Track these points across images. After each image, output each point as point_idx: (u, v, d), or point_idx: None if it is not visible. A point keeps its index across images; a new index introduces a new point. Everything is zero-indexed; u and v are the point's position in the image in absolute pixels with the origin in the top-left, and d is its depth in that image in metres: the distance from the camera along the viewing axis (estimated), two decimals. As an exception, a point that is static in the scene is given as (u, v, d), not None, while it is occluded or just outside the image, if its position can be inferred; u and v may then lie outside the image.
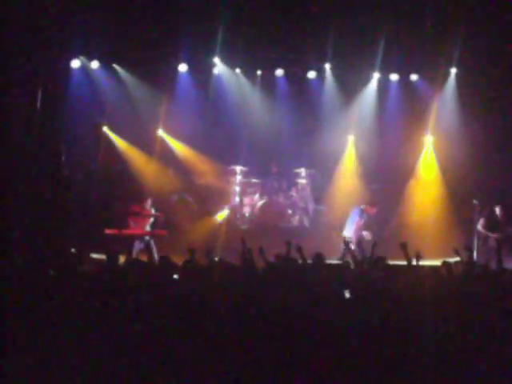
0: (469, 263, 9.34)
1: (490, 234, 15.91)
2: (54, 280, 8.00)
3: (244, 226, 17.28)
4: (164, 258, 8.95)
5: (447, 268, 9.29)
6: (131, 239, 15.36)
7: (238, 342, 6.78)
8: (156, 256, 14.47)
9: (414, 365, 6.78)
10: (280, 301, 7.23)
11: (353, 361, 6.75)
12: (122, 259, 9.47)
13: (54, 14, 15.11)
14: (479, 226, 16.10)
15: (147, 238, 15.41)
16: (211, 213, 17.58)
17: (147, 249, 14.75)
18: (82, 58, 17.15)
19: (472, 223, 16.21)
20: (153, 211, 15.88)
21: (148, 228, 15.68)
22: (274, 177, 17.78)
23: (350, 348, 6.81)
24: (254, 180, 17.77)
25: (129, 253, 14.88)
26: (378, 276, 8.53)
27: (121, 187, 16.78)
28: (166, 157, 17.94)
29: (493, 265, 10.86)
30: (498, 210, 16.13)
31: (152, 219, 15.76)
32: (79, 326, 6.94)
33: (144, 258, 11.46)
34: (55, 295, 7.34)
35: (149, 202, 15.88)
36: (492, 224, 16.04)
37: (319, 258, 9.29)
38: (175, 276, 8.31)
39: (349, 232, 15.37)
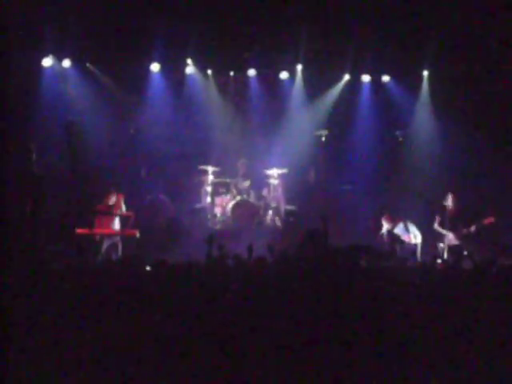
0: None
1: (445, 233, 15.78)
2: (27, 279, 7.97)
3: (216, 227, 17.24)
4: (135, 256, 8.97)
5: None
6: (101, 238, 15.37)
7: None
8: (119, 255, 14.58)
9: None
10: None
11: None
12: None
13: (25, 12, 15.02)
14: (435, 225, 15.98)
15: (117, 237, 15.48)
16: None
17: (114, 247, 14.92)
18: (53, 56, 17.04)
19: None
20: (123, 209, 15.88)
21: (117, 227, 15.68)
22: (242, 177, 17.73)
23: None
24: (226, 180, 17.73)
25: (98, 251, 14.92)
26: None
27: (92, 186, 16.68)
28: (138, 156, 17.87)
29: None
30: (449, 201, 15.94)
31: (118, 218, 15.78)
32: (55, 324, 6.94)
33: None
34: (28, 294, 7.31)
35: (112, 199, 15.85)
36: (445, 221, 15.80)
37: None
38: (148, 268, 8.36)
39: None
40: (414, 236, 15.65)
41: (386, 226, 15.80)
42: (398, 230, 15.71)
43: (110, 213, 15.70)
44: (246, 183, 17.59)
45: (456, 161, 17.62)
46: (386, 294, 7.67)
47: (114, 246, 15.34)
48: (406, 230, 15.65)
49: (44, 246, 13.63)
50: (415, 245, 15.56)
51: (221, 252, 9.31)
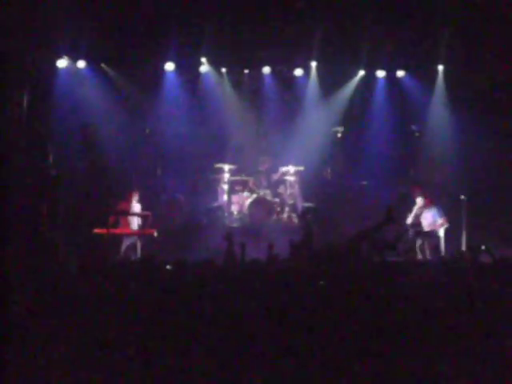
0: None
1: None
2: (44, 279, 7.99)
3: (233, 224, 17.24)
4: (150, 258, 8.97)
5: None
6: (120, 238, 15.38)
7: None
8: (138, 255, 14.59)
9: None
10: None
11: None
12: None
13: (40, 13, 15.05)
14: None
15: (135, 237, 15.47)
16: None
17: (133, 247, 14.93)
18: (67, 57, 17.07)
19: (459, 220, 16.11)
20: (139, 207, 15.90)
21: (136, 226, 15.68)
22: (263, 174, 17.73)
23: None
24: (243, 178, 17.72)
25: (117, 252, 14.95)
26: None
27: (109, 186, 16.70)
28: (154, 155, 17.90)
29: None
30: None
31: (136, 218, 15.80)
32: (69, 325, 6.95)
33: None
34: (45, 294, 7.33)
35: (136, 197, 15.89)
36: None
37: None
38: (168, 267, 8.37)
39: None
40: (442, 224, 15.58)
41: (419, 204, 15.74)
42: (433, 211, 15.61)
43: (127, 213, 15.72)
44: (274, 176, 17.63)
45: (471, 154, 17.55)
46: (404, 291, 7.64)
47: (132, 246, 15.36)
48: (440, 212, 15.57)
49: (61, 246, 13.68)
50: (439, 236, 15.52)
51: (242, 250, 9.32)
